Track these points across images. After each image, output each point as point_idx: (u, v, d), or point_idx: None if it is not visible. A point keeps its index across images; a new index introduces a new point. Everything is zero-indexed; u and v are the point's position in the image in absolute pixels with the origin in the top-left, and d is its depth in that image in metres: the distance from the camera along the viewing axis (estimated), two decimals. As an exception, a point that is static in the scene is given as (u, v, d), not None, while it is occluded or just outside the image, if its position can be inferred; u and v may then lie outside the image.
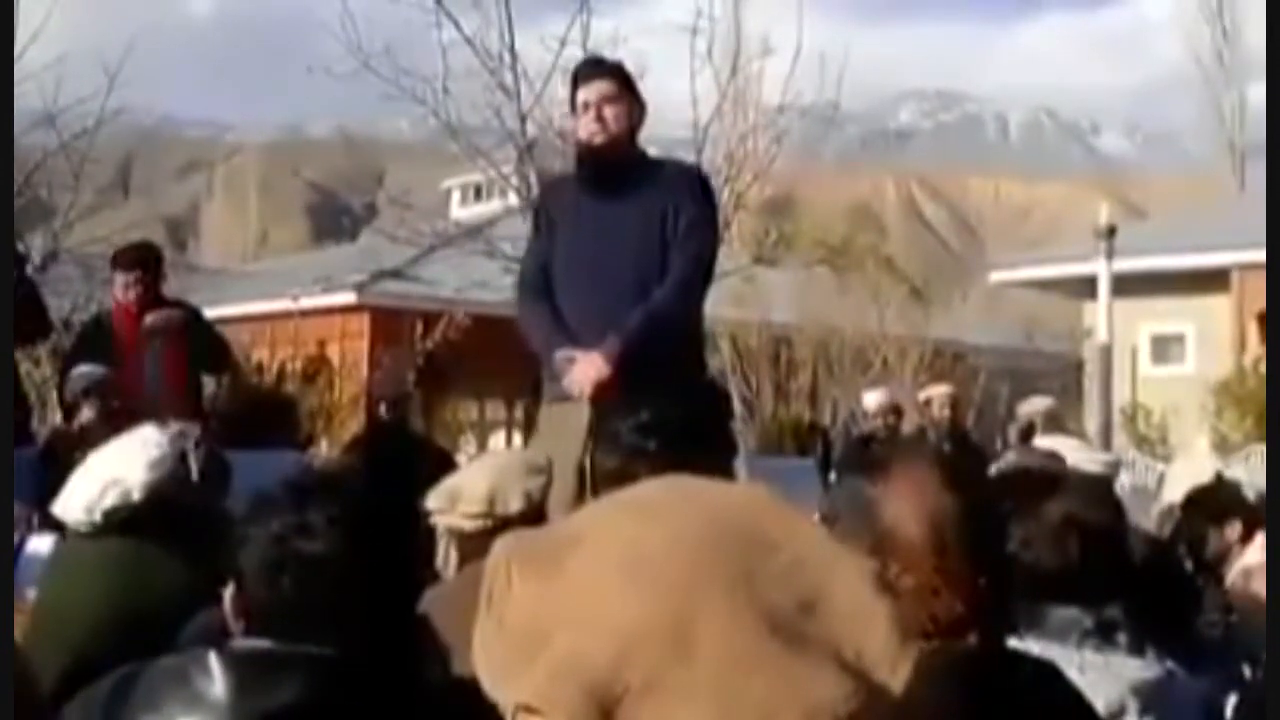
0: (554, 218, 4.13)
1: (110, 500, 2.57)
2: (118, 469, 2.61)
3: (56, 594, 2.65)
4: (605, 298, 3.88)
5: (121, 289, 6.19)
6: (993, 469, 3.66)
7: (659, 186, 4.00)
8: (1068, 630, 1.99)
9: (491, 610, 1.02)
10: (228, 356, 6.86)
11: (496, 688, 1.01)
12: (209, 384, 8.31)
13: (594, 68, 4.17)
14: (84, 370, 5.78)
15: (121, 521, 2.56)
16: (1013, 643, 1.80)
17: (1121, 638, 2.02)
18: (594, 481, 2.09)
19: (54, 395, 7.45)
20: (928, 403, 8.67)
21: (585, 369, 3.73)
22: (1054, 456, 3.65)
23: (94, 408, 5.61)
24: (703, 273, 4.02)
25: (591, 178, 4.07)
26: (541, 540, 1.06)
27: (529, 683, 0.96)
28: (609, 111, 3.94)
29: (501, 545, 1.06)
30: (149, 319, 6.06)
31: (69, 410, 5.98)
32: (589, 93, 3.97)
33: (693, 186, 4.10)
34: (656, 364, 3.64)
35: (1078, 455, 3.38)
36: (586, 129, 3.99)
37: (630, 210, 3.96)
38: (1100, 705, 1.78)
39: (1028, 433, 7.02)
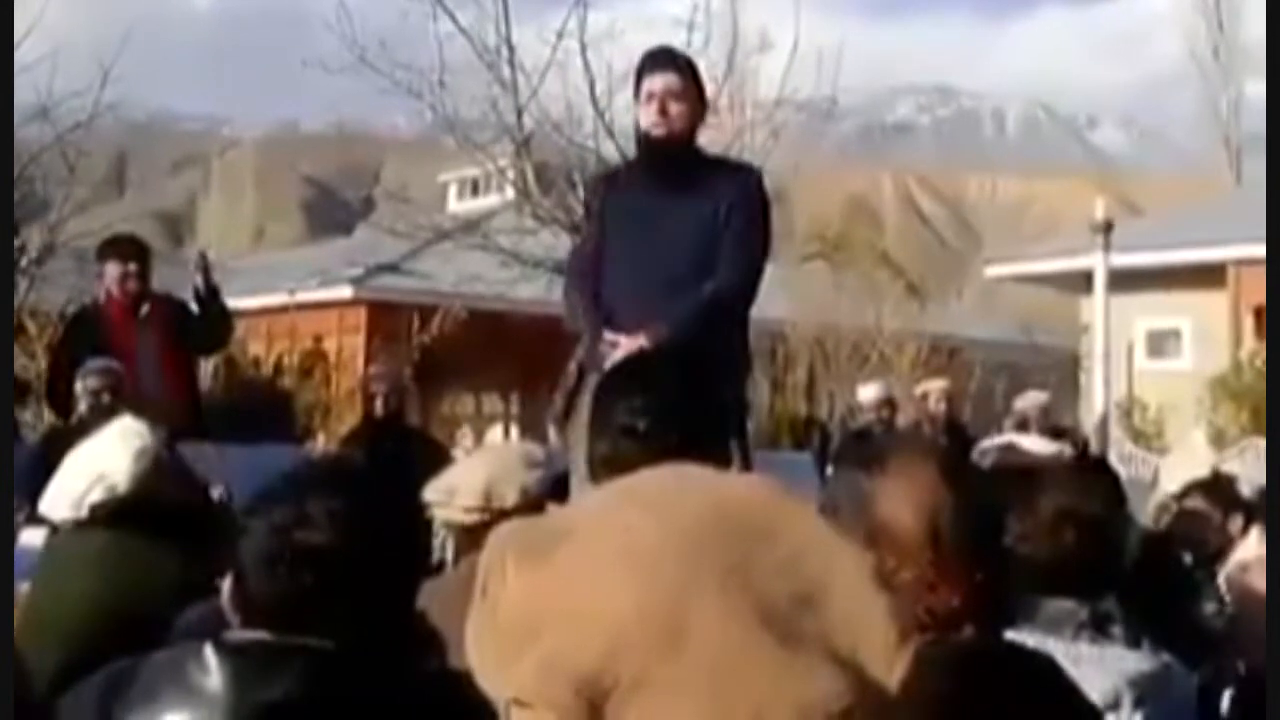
0: (608, 208, 4.10)
1: (97, 494, 2.56)
2: (103, 463, 2.60)
3: (47, 588, 2.65)
4: (653, 290, 3.85)
5: (116, 281, 6.13)
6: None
7: (715, 185, 3.96)
8: (1063, 622, 1.99)
9: (485, 601, 1.02)
10: (226, 332, 6.73)
11: (488, 680, 1.00)
12: (205, 379, 8.29)
13: (663, 58, 4.10)
14: (98, 364, 5.74)
15: (109, 514, 2.56)
16: (1008, 635, 1.80)
17: (1116, 630, 2.03)
18: (591, 472, 2.08)
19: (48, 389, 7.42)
20: (924, 397, 8.67)
21: (631, 350, 3.70)
22: (1011, 449, 3.64)
23: (94, 401, 5.57)
24: (754, 275, 3.99)
25: (648, 170, 4.04)
26: (536, 530, 1.05)
27: (518, 676, 0.95)
28: (674, 107, 3.89)
29: (497, 535, 1.05)
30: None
31: (63, 402, 5.93)
32: (655, 83, 3.93)
33: (748, 188, 4.04)
34: (696, 359, 3.61)
35: (1031, 445, 3.39)
36: (648, 119, 3.94)
37: (684, 207, 3.92)
38: (1095, 697, 1.78)
39: (1023, 427, 7.03)
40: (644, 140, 4.02)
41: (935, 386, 8.77)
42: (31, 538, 3.28)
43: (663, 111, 3.89)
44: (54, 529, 2.79)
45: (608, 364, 3.71)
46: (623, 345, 3.74)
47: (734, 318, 3.96)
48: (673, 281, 3.86)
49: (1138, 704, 1.86)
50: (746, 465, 3.61)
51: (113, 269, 6.14)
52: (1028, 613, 1.97)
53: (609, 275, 3.97)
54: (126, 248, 6.32)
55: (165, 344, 6.08)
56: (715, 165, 4.16)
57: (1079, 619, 2.01)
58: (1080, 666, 1.83)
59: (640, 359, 3.37)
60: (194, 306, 6.25)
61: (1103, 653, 1.96)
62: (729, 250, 3.89)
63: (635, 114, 4.10)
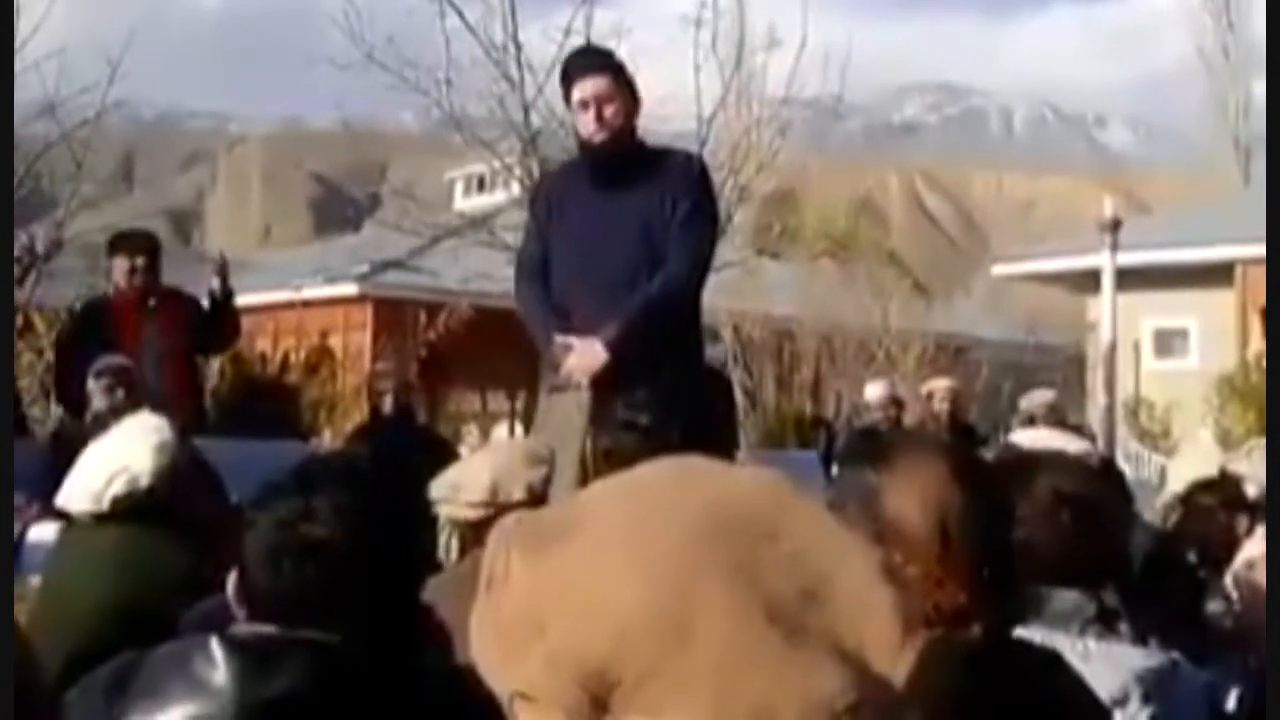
0: (554, 206, 4.15)
1: (119, 487, 2.56)
2: (124, 456, 2.60)
3: (60, 581, 2.65)
4: (603, 287, 3.90)
5: (125, 275, 6.14)
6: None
7: (659, 177, 4.01)
8: (1070, 618, 1.99)
9: (490, 594, 1.01)
10: (234, 332, 6.74)
11: (493, 673, 1.00)
12: (212, 376, 8.29)
13: (586, 63, 4.16)
14: (110, 362, 5.75)
15: (127, 509, 2.56)
16: (1014, 630, 1.79)
17: (1123, 627, 2.02)
18: (594, 466, 2.09)
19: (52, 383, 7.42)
20: (929, 396, 8.65)
21: (583, 356, 3.75)
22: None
23: (108, 398, 5.57)
24: (701, 262, 4.04)
25: (591, 170, 4.09)
26: (541, 524, 1.05)
27: (524, 671, 0.95)
28: (607, 110, 3.94)
29: (501, 529, 1.05)
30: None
31: (72, 398, 5.94)
32: (584, 90, 3.98)
33: (691, 177, 4.11)
34: (654, 352, 3.65)
35: (1057, 442, 3.38)
36: (586, 127, 4.00)
37: (630, 201, 3.98)
38: (1103, 693, 1.78)
39: (1029, 426, 7.00)
40: (585, 146, 4.07)
41: (940, 385, 8.75)
42: (42, 533, 3.29)
43: (598, 118, 3.93)
44: (68, 523, 2.79)
45: (563, 367, 3.76)
46: (575, 346, 3.77)
47: (684, 306, 4.00)
48: (626, 277, 3.90)
49: (1146, 700, 1.85)
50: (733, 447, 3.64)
51: (121, 263, 6.16)
52: (1034, 607, 1.96)
53: (560, 274, 4.02)
54: (135, 243, 6.34)
55: (172, 339, 6.09)
56: (657, 156, 4.18)
57: (1086, 614, 2.00)
58: (1088, 662, 1.82)
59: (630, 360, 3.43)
60: (205, 304, 6.27)
61: (1110, 649, 1.96)
62: (676, 240, 3.94)
63: (570, 119, 4.15)
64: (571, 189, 4.15)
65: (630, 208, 3.97)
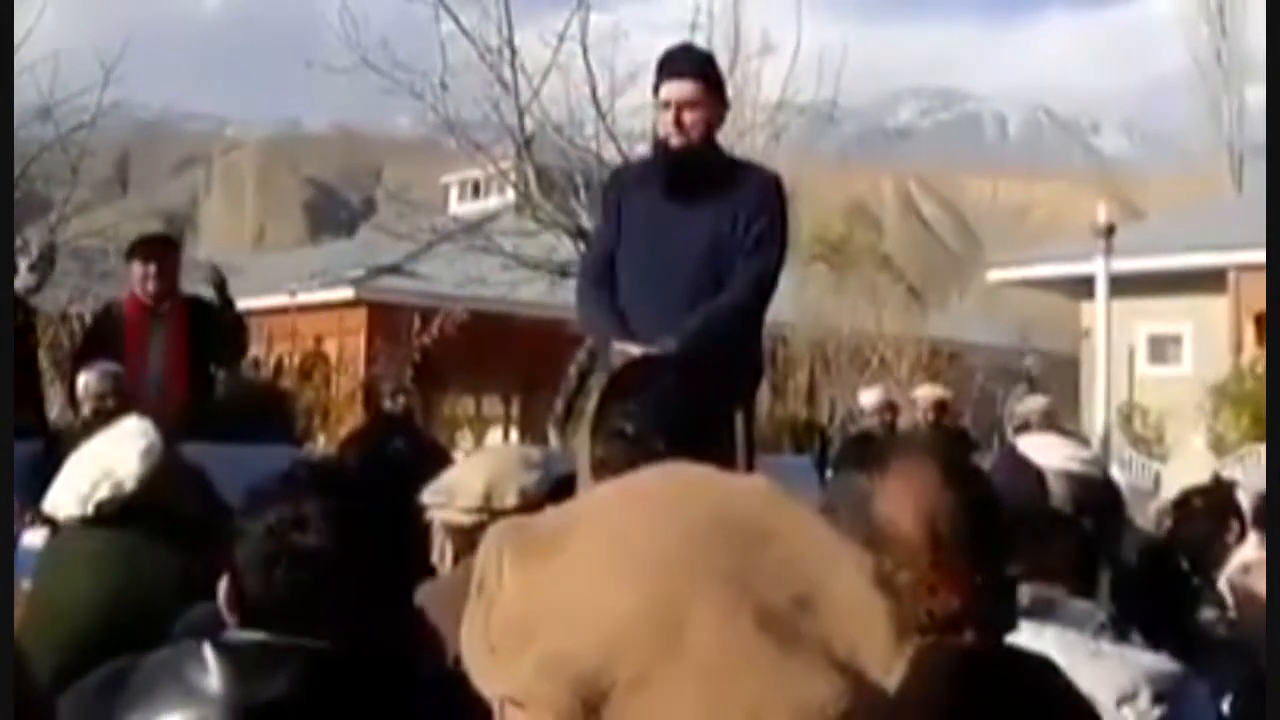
0: (624, 210, 4.03)
1: (104, 492, 2.56)
2: (109, 461, 2.60)
3: (49, 587, 2.64)
4: (667, 298, 3.79)
5: (137, 281, 6.11)
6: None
7: (735, 191, 3.89)
8: (1083, 623, 1.99)
9: (481, 599, 1.01)
10: (242, 344, 6.74)
11: (483, 678, 1.00)
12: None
13: (680, 65, 3.99)
14: (99, 368, 5.74)
15: (113, 514, 2.55)
16: (1029, 630, 1.79)
17: (1136, 637, 2.03)
18: (591, 474, 2.09)
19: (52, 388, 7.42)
20: (916, 403, 8.65)
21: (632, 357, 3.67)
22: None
23: (97, 404, 5.57)
24: (767, 285, 3.92)
25: (664, 176, 3.97)
26: (533, 529, 1.04)
27: (514, 677, 0.95)
28: (688, 116, 3.83)
29: (494, 533, 1.04)
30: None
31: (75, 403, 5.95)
32: (670, 92, 3.86)
33: (767, 194, 3.96)
34: (709, 370, 3.58)
35: (1064, 452, 3.39)
36: (664, 128, 3.88)
37: (701, 213, 3.86)
38: (1113, 690, 1.78)
39: (1023, 432, 7.01)
40: (661, 147, 3.96)
41: (924, 395, 8.72)
42: (34, 540, 3.28)
43: (677, 122, 3.82)
44: (55, 528, 2.78)
45: None
46: (633, 356, 3.70)
47: (746, 328, 3.91)
48: (688, 290, 3.80)
49: (1157, 700, 1.85)
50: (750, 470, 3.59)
51: (135, 269, 6.13)
52: (1046, 613, 1.96)
53: (624, 283, 3.91)
54: (149, 248, 6.28)
55: (178, 344, 6.07)
56: (734, 168, 4.08)
57: (1098, 620, 2.01)
58: (1099, 659, 1.83)
59: (638, 364, 3.36)
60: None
61: (1122, 650, 1.96)
62: (744, 259, 3.83)
63: (654, 117, 4.06)
64: (642, 191, 4.01)
65: (701, 219, 3.85)
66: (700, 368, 3.25)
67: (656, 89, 3.93)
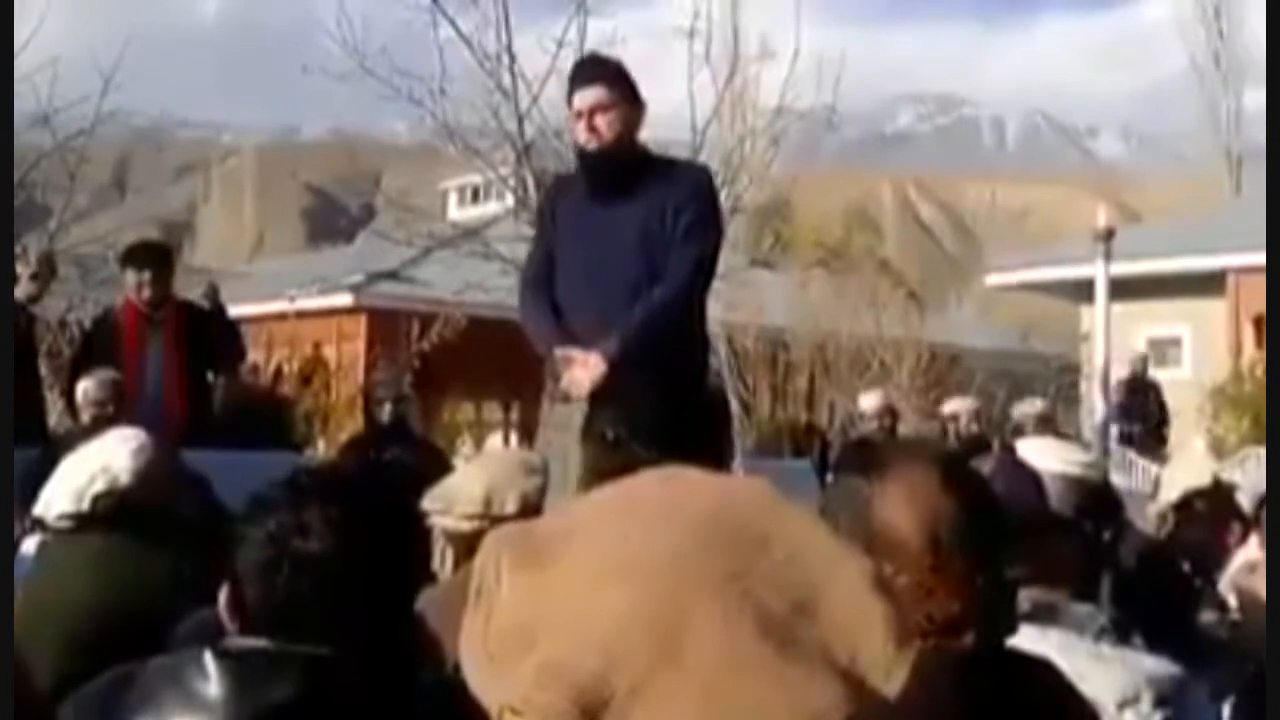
0: (558, 216, 4.15)
1: (100, 486, 2.57)
2: (104, 457, 2.62)
3: (41, 593, 2.64)
4: (605, 298, 3.89)
5: (133, 288, 6.16)
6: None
7: (661, 186, 4.00)
8: (1085, 626, 1.99)
9: (480, 606, 1.01)
10: (239, 349, 6.79)
11: (482, 686, 0.99)
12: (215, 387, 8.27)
13: (586, 74, 4.16)
14: (98, 375, 5.75)
15: (105, 515, 2.56)
16: (1032, 635, 1.79)
17: (1138, 641, 2.03)
18: (582, 479, 2.09)
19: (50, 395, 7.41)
20: (954, 418, 8.55)
21: (582, 369, 3.75)
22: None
23: (96, 412, 5.58)
24: (703, 273, 4.02)
25: (591, 179, 4.09)
26: (532, 535, 1.04)
27: (514, 684, 0.95)
28: (600, 120, 3.95)
29: (493, 539, 1.04)
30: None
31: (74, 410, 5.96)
32: (580, 100, 3.99)
33: (695, 185, 4.09)
34: (655, 364, 3.64)
35: (1062, 455, 3.39)
36: (579, 135, 4.02)
37: (631, 210, 3.97)
38: (1115, 694, 1.78)
39: (1021, 435, 6.99)
40: (579, 153, 4.09)
41: (965, 407, 8.65)
42: (26, 546, 3.28)
43: (591, 128, 3.95)
44: (46, 534, 2.78)
45: (563, 379, 3.77)
46: (576, 360, 3.77)
47: (684, 317, 3.99)
48: (626, 288, 3.89)
49: (1158, 703, 1.85)
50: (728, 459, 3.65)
51: (130, 277, 6.19)
52: (1049, 616, 1.96)
53: (563, 287, 4.02)
54: (143, 255, 6.35)
55: (175, 351, 6.10)
56: (660, 164, 4.18)
57: (1099, 624, 2.01)
58: (1101, 663, 1.83)
59: (612, 370, 3.42)
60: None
61: (1125, 654, 1.97)
62: (676, 250, 3.92)
63: (564, 128, 4.17)
64: (570, 199, 4.15)
65: (629, 217, 3.96)
66: (665, 366, 3.31)
67: (570, 101, 4.06)
